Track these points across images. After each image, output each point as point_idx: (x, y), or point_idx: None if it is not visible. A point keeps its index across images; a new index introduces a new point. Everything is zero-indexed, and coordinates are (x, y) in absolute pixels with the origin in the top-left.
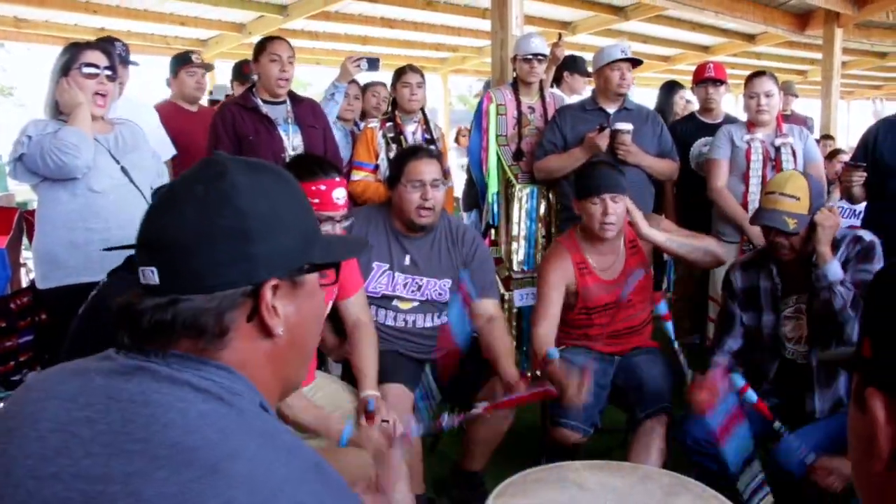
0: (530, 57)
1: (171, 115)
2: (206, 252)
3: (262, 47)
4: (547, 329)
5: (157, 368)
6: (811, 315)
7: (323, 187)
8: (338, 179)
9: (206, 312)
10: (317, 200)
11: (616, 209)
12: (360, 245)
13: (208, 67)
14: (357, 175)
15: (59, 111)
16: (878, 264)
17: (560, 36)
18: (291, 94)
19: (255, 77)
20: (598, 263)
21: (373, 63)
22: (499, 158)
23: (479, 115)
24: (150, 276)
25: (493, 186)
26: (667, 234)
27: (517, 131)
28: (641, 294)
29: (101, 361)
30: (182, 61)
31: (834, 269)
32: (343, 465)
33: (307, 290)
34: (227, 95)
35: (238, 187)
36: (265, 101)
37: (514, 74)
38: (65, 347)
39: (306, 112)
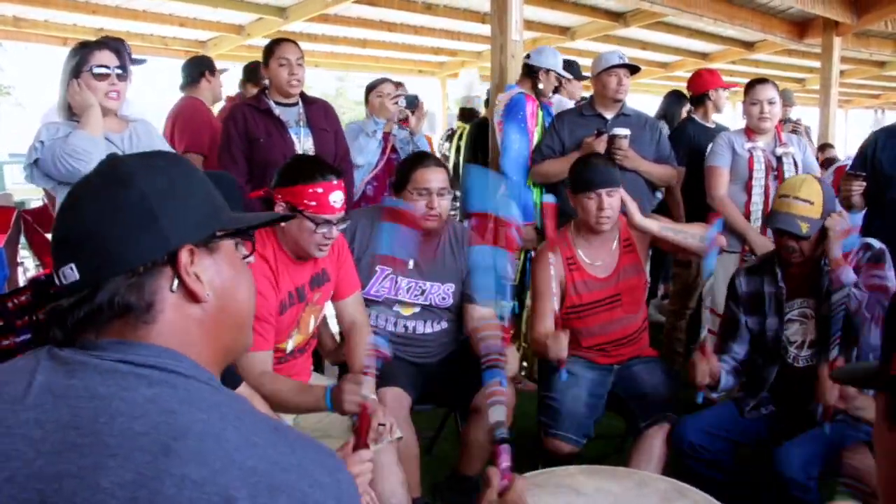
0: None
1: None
2: (116, 234)
3: (270, 51)
4: (544, 329)
5: (96, 361)
6: (819, 319)
7: (320, 190)
8: (335, 182)
9: (129, 289)
10: (314, 203)
11: (611, 203)
12: (270, 217)
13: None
14: None
15: (72, 112)
16: (889, 270)
17: None
18: (304, 96)
19: (267, 81)
20: (589, 259)
21: (411, 101)
22: None
23: (523, 115)
24: (70, 272)
25: (537, 194)
26: (660, 223)
27: None
28: (633, 294)
29: (40, 361)
30: (211, 68)
31: (847, 272)
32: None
33: (224, 255)
34: (229, 97)
35: (132, 171)
36: (277, 104)
37: (555, 84)
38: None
39: (318, 114)
